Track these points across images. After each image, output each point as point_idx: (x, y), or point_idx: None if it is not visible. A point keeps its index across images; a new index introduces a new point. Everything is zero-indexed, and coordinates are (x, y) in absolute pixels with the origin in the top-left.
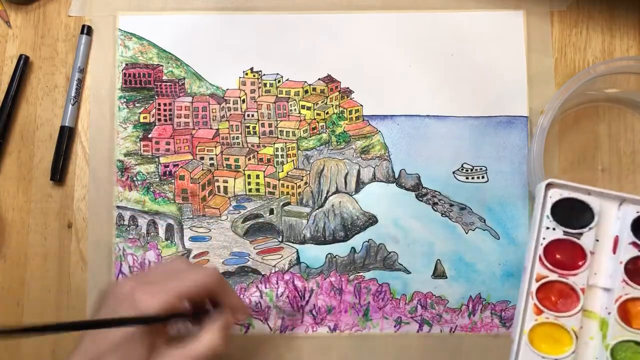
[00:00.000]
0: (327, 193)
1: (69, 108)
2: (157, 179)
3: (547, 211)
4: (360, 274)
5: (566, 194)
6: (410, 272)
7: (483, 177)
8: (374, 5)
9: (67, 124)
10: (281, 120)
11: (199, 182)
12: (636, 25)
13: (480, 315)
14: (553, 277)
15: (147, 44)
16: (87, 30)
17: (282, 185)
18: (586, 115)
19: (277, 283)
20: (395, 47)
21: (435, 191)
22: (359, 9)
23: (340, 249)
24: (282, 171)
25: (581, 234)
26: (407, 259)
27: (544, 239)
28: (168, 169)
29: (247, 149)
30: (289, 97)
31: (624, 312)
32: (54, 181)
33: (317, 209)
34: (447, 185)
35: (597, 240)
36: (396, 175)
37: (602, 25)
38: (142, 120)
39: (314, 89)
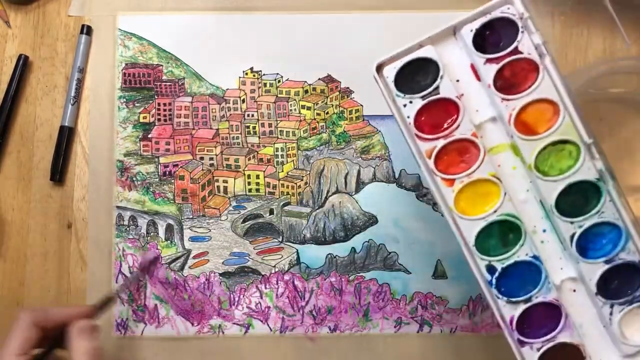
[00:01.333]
0: (327, 193)
1: (69, 108)
2: (157, 179)
3: (394, 91)
4: (361, 274)
5: (399, 63)
6: (410, 273)
7: None
8: (374, 5)
9: (66, 124)
10: (281, 120)
11: (199, 182)
12: (637, 26)
13: (481, 316)
14: (440, 143)
15: (146, 43)
16: (86, 30)
17: (282, 185)
18: (587, 115)
19: (277, 283)
20: (395, 47)
21: None
22: (359, 9)
23: (341, 249)
24: (282, 171)
25: (437, 87)
26: (408, 259)
27: (408, 117)
28: (168, 169)
29: (247, 149)
30: (289, 97)
31: (524, 125)
32: (53, 181)
33: (317, 209)
34: None
35: (458, 81)
36: (396, 175)
37: (602, 26)
38: (141, 120)
39: (314, 89)
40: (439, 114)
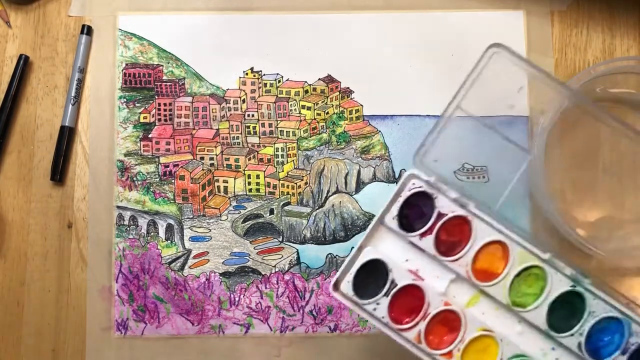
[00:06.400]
0: (328, 193)
1: (69, 108)
2: (157, 179)
3: (359, 301)
4: None
5: (350, 276)
6: None
7: (484, 177)
8: (374, 5)
9: (67, 124)
10: (281, 120)
11: (199, 182)
12: (636, 25)
13: None
14: (422, 325)
15: (147, 44)
16: (87, 30)
17: (282, 185)
18: (587, 116)
19: (278, 283)
20: (395, 47)
21: None
22: (359, 9)
23: (341, 249)
24: (282, 171)
25: (393, 279)
26: None
27: (383, 317)
28: (168, 169)
29: (247, 149)
30: (289, 97)
31: (482, 273)
32: (54, 181)
33: (318, 209)
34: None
35: (407, 260)
36: (396, 175)
37: (602, 26)
38: (142, 120)
39: (314, 89)
40: (407, 299)
